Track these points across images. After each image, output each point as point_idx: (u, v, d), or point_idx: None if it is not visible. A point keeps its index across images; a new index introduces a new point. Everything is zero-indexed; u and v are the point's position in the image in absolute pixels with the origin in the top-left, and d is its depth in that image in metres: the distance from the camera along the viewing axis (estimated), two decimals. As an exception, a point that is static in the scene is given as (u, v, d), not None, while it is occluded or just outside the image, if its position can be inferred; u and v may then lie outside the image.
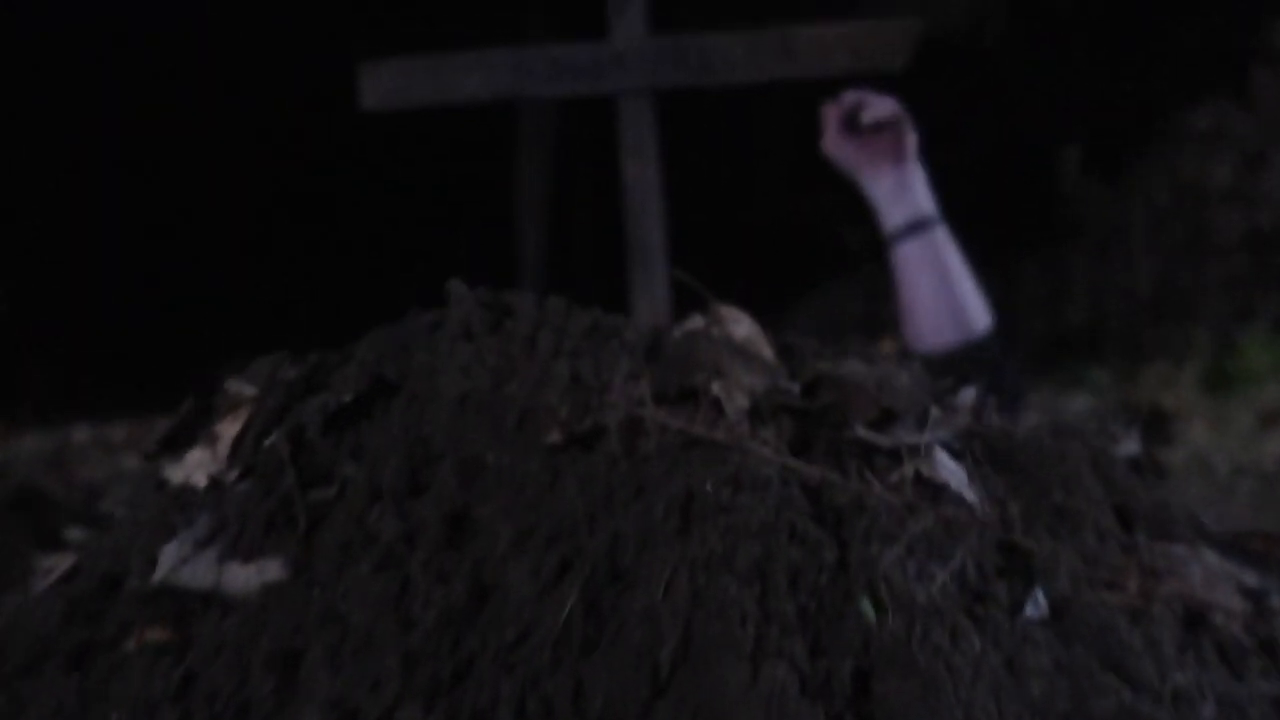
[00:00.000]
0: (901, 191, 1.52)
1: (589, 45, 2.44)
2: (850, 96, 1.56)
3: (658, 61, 2.40)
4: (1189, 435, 3.59)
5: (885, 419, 0.70)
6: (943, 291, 1.49)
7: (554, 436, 0.64)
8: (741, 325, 0.79)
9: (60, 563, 0.67)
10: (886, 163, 1.53)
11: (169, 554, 0.59)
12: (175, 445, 0.70)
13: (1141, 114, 6.14)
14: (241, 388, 0.68)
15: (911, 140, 1.52)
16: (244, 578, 0.58)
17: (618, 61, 2.43)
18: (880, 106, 1.54)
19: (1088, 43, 6.40)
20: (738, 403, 0.67)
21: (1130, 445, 0.85)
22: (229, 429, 0.67)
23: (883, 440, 0.68)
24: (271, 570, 0.57)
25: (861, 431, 0.68)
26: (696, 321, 0.81)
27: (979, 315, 1.50)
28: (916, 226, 1.49)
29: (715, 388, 0.67)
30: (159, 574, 0.59)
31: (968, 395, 0.85)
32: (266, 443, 0.65)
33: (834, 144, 1.58)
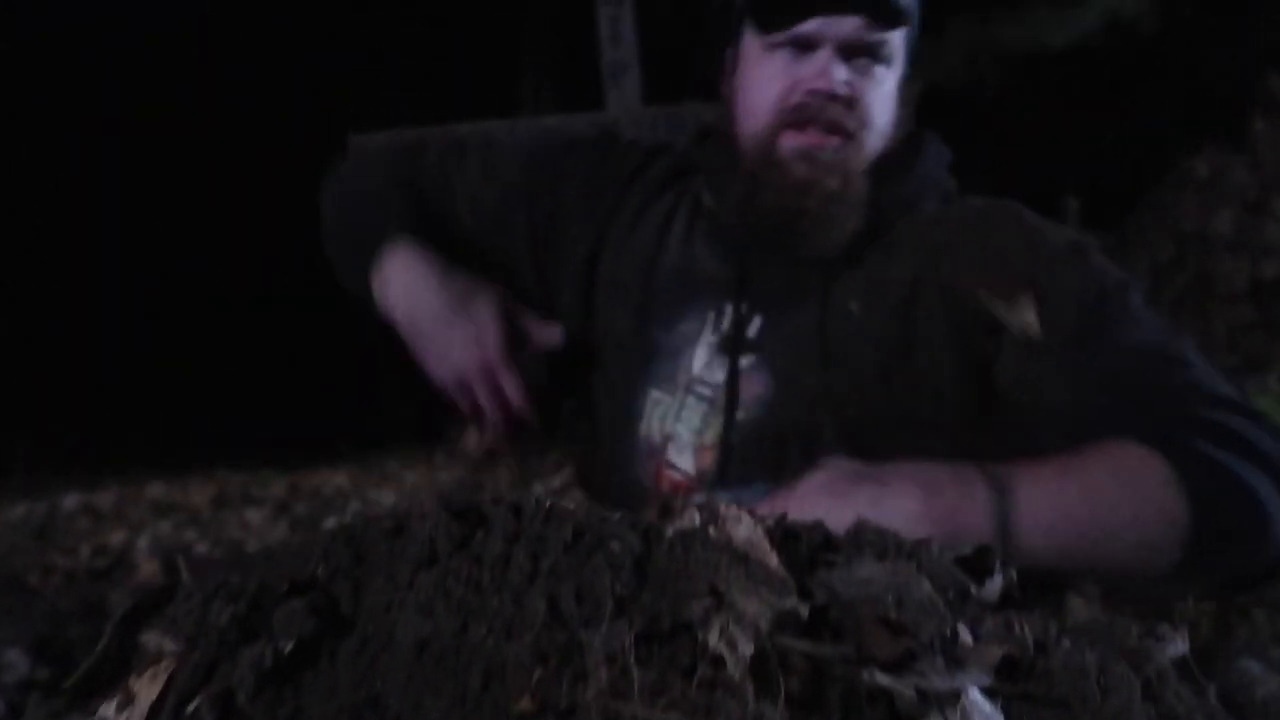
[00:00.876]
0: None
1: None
2: None
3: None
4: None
5: (907, 657, 0.61)
6: (1093, 540, 0.96)
7: (524, 705, 0.55)
8: (741, 526, 0.70)
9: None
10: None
11: None
12: (88, 695, 0.61)
13: (1141, 163, 6.11)
14: (162, 640, 0.59)
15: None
16: None
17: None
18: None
19: (1085, 92, 6.38)
20: (741, 651, 0.58)
21: (1177, 646, 0.75)
22: (147, 689, 0.57)
23: (906, 689, 0.59)
24: None
25: (881, 678, 0.59)
26: (692, 518, 0.72)
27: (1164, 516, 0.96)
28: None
29: (714, 636, 0.58)
30: None
31: (994, 586, 0.76)
32: (189, 709, 0.56)
33: None
